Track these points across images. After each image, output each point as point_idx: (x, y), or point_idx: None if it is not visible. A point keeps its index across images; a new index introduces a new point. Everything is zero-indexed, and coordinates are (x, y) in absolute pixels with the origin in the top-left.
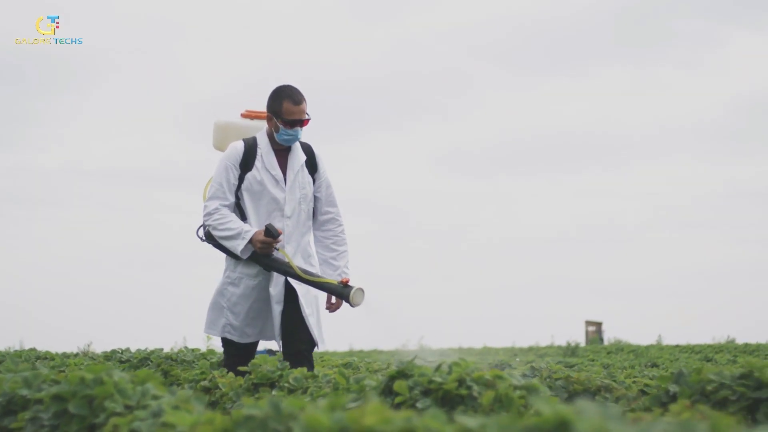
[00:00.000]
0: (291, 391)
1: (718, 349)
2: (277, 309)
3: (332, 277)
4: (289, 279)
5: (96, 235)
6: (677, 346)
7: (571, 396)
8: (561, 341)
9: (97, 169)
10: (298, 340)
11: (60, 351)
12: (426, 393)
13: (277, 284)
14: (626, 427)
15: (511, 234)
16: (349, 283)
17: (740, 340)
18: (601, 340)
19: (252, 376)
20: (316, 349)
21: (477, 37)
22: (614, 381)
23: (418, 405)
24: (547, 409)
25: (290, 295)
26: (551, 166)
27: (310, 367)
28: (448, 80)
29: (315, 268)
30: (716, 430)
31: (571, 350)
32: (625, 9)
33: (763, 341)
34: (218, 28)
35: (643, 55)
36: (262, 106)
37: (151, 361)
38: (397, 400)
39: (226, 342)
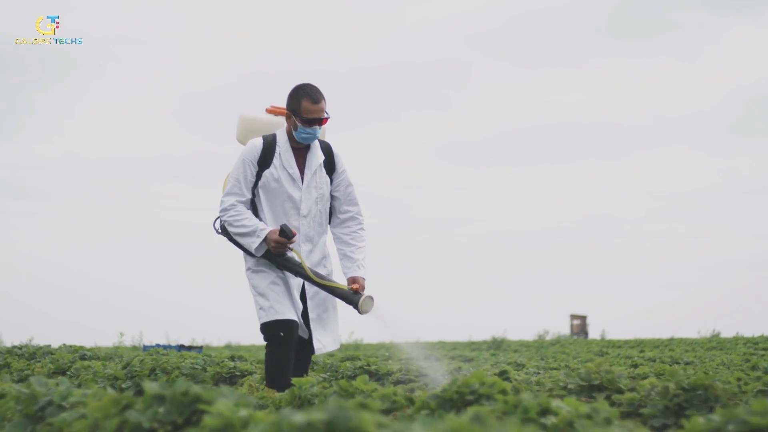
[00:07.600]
0: (73, 377)
1: (639, 343)
2: (295, 294)
3: (351, 270)
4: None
5: (94, 225)
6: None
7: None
8: (552, 334)
9: (97, 160)
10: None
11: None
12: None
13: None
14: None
15: (508, 226)
16: (360, 291)
17: (736, 333)
18: (586, 333)
19: (51, 366)
20: (324, 350)
21: (475, 27)
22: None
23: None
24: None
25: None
26: (549, 157)
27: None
28: (446, 71)
29: (329, 270)
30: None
31: (497, 344)
32: (624, 0)
33: (745, 334)
34: (217, 18)
35: (642, 46)
36: (263, 97)
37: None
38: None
39: (262, 330)
